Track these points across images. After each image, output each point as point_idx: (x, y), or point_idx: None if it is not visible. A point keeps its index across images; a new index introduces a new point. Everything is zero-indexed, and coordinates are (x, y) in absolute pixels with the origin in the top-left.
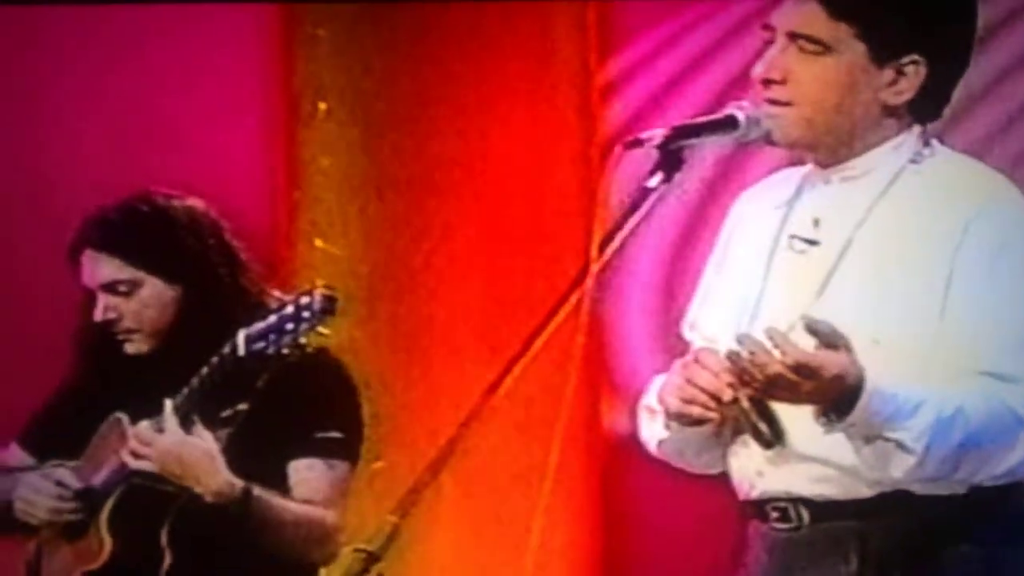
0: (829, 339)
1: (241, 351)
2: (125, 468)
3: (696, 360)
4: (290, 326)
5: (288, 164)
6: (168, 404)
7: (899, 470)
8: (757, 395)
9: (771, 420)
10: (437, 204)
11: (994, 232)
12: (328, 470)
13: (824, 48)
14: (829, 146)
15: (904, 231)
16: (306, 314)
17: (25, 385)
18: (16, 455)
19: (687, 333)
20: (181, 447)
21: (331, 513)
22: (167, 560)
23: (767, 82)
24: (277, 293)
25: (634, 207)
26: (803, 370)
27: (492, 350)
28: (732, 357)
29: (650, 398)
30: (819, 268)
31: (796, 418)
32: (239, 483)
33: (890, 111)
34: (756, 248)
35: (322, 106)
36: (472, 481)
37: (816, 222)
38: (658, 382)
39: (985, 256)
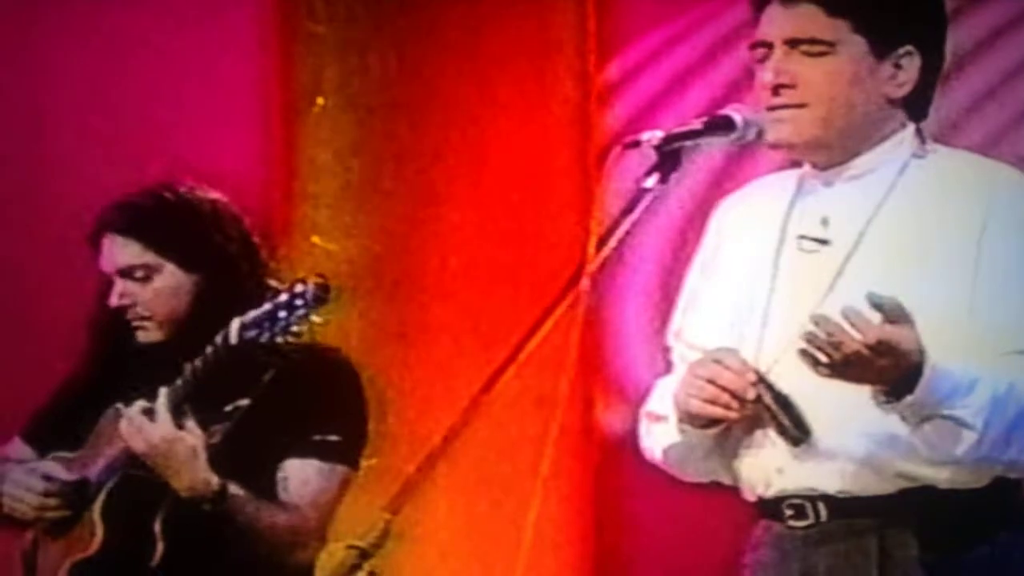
0: (895, 314)
1: (233, 339)
2: (122, 458)
3: (716, 361)
4: (283, 314)
5: (285, 159)
6: (163, 393)
7: (961, 447)
8: (834, 374)
9: (796, 417)
10: (434, 202)
11: (1018, 217)
12: (320, 472)
13: (828, 46)
14: (840, 145)
15: (920, 223)
16: (299, 303)
17: (34, 381)
18: (18, 449)
19: (671, 341)
20: (169, 442)
21: (313, 516)
22: (159, 550)
23: (778, 89)
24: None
25: (631, 207)
26: (882, 347)
27: (487, 348)
28: (808, 337)
29: (655, 404)
30: (831, 266)
31: (819, 413)
32: (215, 480)
33: (892, 105)
34: (756, 252)
35: (320, 102)
36: (466, 479)
37: (825, 221)
38: (662, 387)
39: (1012, 241)
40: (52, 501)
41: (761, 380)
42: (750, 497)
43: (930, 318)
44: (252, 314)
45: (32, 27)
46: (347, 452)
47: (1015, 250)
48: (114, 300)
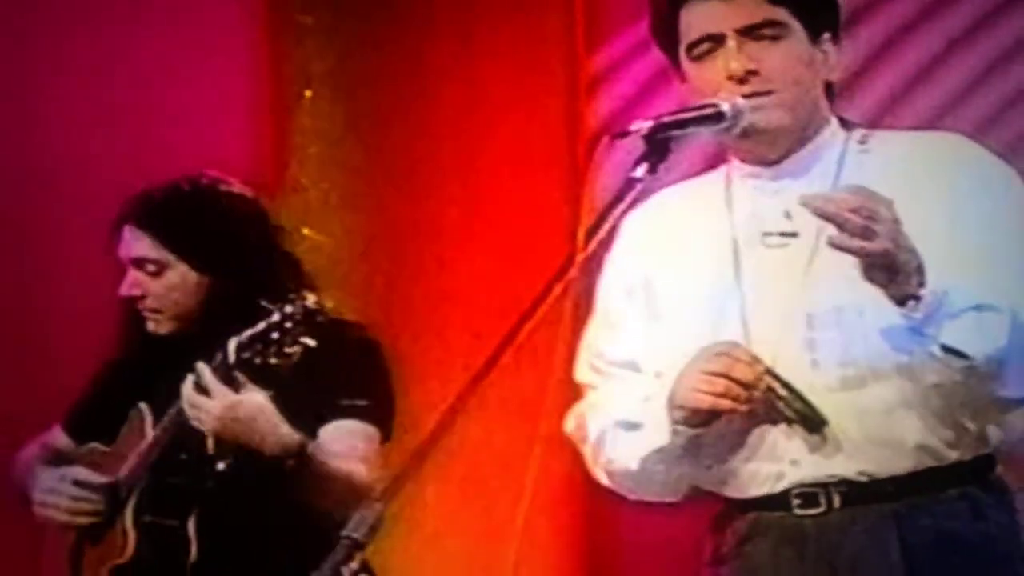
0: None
1: (231, 359)
2: (146, 461)
3: (725, 354)
4: (275, 335)
5: (274, 152)
6: (205, 369)
7: (991, 340)
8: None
9: (810, 405)
10: (423, 193)
11: (982, 178)
12: (358, 430)
13: (782, 29)
14: (799, 132)
15: None
16: (289, 324)
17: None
18: (60, 439)
19: (595, 361)
20: (234, 408)
21: (364, 469)
22: (193, 551)
23: (745, 77)
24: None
25: (620, 197)
26: (863, 211)
27: (478, 339)
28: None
29: (624, 413)
30: (803, 257)
31: (830, 398)
32: (295, 433)
33: (827, 91)
34: (708, 261)
35: (308, 94)
36: (457, 469)
37: (788, 214)
38: (593, 406)
39: (983, 203)
40: (84, 506)
41: (769, 372)
42: (751, 495)
43: None
44: (247, 334)
45: (21, 16)
46: (378, 415)
47: (987, 212)
48: (124, 289)
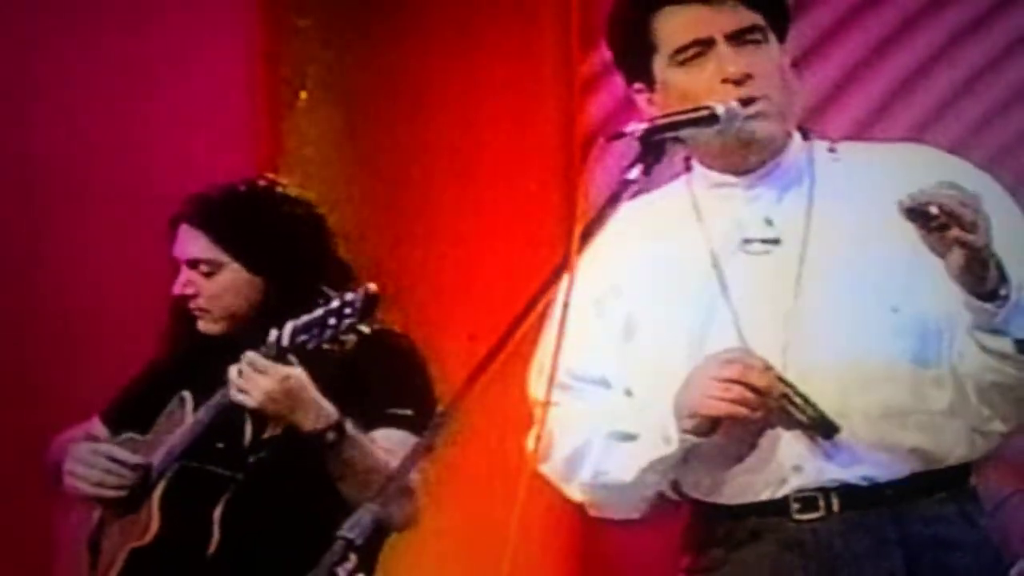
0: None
1: (285, 342)
2: (182, 447)
3: (737, 361)
4: (332, 321)
5: (270, 153)
6: (253, 355)
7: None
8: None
9: (821, 410)
10: (418, 194)
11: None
12: (408, 442)
13: (762, 33)
14: (781, 140)
15: (856, 212)
16: (348, 311)
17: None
18: (95, 428)
19: (564, 379)
20: (284, 381)
21: (415, 473)
22: (215, 539)
23: (741, 79)
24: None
25: (614, 199)
26: (971, 205)
27: (473, 340)
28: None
29: (619, 424)
30: (790, 262)
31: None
32: (334, 409)
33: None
34: (687, 273)
35: (304, 95)
36: (450, 471)
37: (769, 221)
38: (577, 418)
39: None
40: (112, 479)
41: (780, 378)
42: (731, 502)
43: (892, 289)
44: (304, 319)
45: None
46: (423, 427)
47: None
48: (177, 288)
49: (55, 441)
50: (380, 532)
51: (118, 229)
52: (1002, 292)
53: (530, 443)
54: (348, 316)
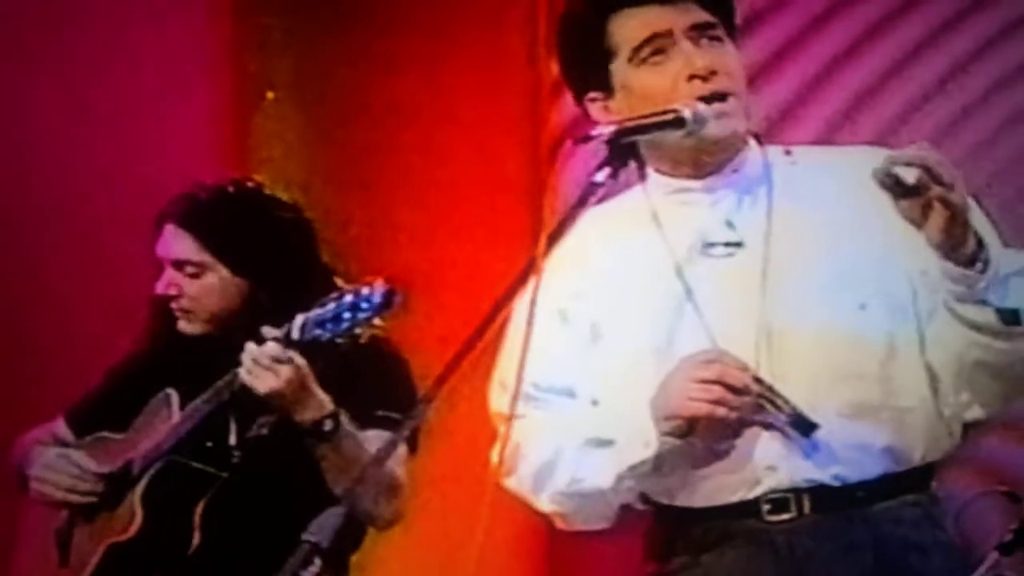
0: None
1: (295, 335)
2: (165, 444)
3: (716, 361)
4: (347, 315)
5: (236, 152)
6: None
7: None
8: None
9: (797, 409)
10: (386, 196)
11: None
12: (383, 441)
13: (719, 30)
14: (743, 141)
15: (825, 210)
16: (364, 306)
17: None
18: (61, 430)
19: (530, 390)
20: (299, 371)
21: (401, 470)
22: (195, 539)
23: (707, 76)
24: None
25: (582, 202)
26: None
27: (440, 342)
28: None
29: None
30: (755, 264)
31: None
32: (329, 400)
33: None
34: (650, 278)
35: (270, 95)
36: (418, 471)
37: (730, 224)
38: (539, 437)
39: None
40: (83, 485)
41: (756, 378)
42: (699, 504)
43: (859, 286)
44: (316, 312)
45: None
46: (410, 431)
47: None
48: (160, 288)
49: (17, 443)
50: (356, 533)
51: (84, 228)
52: (982, 257)
53: (494, 457)
54: (364, 311)
